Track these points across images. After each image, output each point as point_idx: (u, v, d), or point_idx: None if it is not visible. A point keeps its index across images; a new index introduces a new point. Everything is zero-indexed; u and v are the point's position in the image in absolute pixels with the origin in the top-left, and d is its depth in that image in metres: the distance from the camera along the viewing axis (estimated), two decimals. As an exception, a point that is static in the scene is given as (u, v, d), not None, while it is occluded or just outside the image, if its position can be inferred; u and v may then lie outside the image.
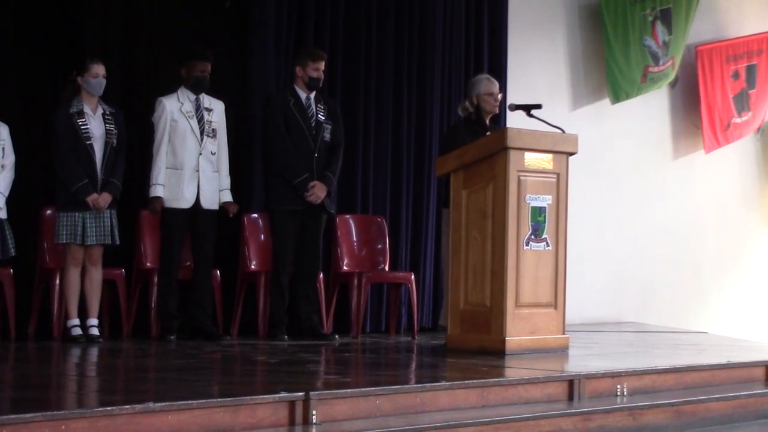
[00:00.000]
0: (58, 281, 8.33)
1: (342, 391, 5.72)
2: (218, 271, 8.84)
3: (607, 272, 12.00)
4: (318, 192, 8.66)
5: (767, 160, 13.80)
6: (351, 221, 9.64)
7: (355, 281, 9.15)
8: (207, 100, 8.63)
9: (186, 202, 8.49)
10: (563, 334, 7.97)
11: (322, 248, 9.04)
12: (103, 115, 8.23)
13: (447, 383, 6.16)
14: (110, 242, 8.19)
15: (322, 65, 8.80)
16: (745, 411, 7.14)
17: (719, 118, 12.94)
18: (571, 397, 6.55)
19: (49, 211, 8.49)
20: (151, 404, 4.99)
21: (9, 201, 8.06)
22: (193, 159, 8.50)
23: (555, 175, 7.89)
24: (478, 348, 7.66)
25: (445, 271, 9.05)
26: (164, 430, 5.00)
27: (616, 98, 11.88)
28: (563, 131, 8.02)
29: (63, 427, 4.73)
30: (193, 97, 8.58)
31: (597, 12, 11.80)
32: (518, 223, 7.67)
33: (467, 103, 9.08)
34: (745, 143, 13.51)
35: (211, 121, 8.60)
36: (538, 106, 8.43)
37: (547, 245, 7.83)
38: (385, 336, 9.54)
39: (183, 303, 8.63)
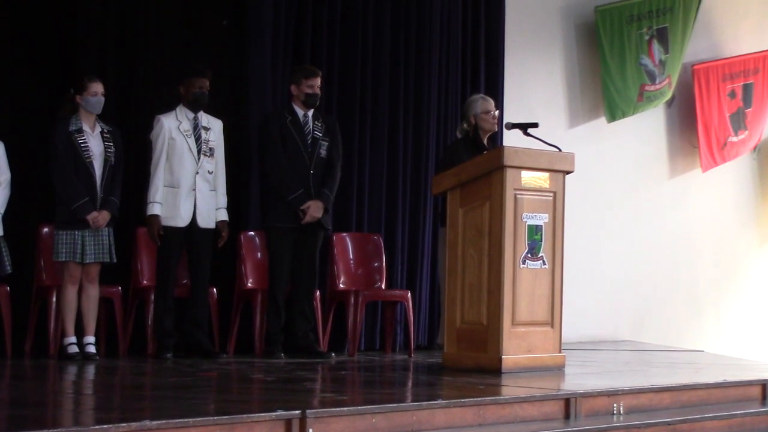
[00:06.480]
0: (54, 299, 8.32)
1: (338, 409, 5.71)
2: (215, 289, 8.84)
3: (603, 291, 12.01)
4: (313, 213, 8.67)
5: (764, 179, 13.82)
6: (347, 239, 9.65)
7: (352, 299, 9.15)
8: (205, 119, 8.65)
9: (182, 220, 8.50)
10: (560, 352, 7.97)
11: (319, 266, 9.04)
12: (101, 133, 8.25)
13: (443, 401, 6.15)
14: (108, 260, 8.20)
15: (317, 82, 8.82)
16: (741, 430, 7.14)
17: (716, 137, 12.96)
18: (567, 416, 6.54)
19: (46, 229, 8.49)
20: (147, 422, 4.98)
21: (5, 218, 8.05)
22: (189, 177, 8.51)
23: (552, 194, 7.90)
24: (475, 366, 7.66)
25: (441, 289, 9.05)
26: (160, 448, 5.00)
27: (613, 117, 11.91)
28: (560, 150, 8.03)
29: (59, 444, 4.74)
30: (191, 115, 8.60)
31: (593, 31, 11.83)
32: (515, 241, 7.68)
33: (465, 124, 9.13)
34: (742, 162, 13.54)
35: (208, 140, 8.61)
36: (535, 125, 8.45)
37: (544, 264, 7.84)
38: (381, 354, 9.54)
39: (179, 321, 8.63)
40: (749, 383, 7.86)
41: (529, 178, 7.77)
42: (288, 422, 5.40)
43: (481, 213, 7.76)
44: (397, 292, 9.66)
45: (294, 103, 8.84)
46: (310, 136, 8.80)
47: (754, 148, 13.64)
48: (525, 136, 8.42)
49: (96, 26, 9.05)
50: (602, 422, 6.54)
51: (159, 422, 5.02)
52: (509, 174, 7.65)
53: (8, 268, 8.05)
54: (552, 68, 11.76)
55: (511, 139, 9.09)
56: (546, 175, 7.86)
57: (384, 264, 9.65)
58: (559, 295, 7.92)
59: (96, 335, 8.31)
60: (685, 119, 12.95)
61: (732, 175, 13.44)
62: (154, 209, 8.44)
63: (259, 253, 9.19)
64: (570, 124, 11.87)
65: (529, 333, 7.76)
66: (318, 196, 8.72)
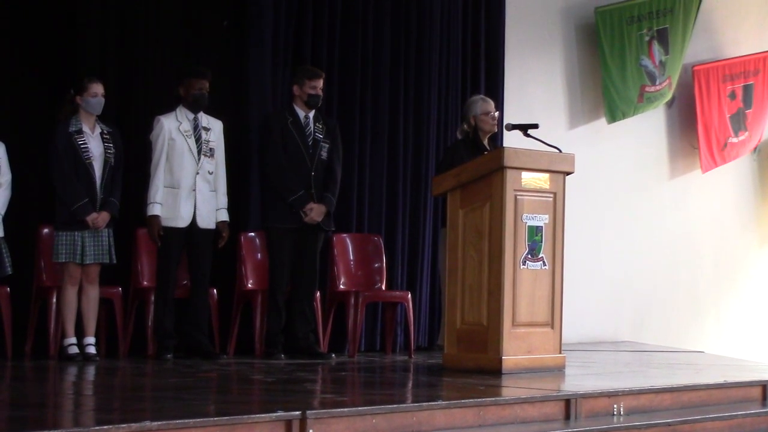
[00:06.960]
0: (54, 300, 8.32)
1: (339, 410, 5.71)
2: (215, 290, 8.84)
3: (603, 291, 12.00)
4: (314, 216, 8.67)
5: (764, 180, 13.83)
6: (347, 240, 9.64)
7: (352, 300, 9.14)
8: (205, 120, 8.64)
9: (182, 221, 8.50)
10: (560, 353, 7.97)
11: (319, 267, 9.03)
12: (101, 134, 8.25)
13: (444, 402, 6.15)
14: (108, 261, 8.20)
15: (319, 83, 8.82)
16: (741, 431, 7.14)
17: (716, 138, 12.96)
18: (567, 417, 6.54)
19: (46, 230, 8.48)
20: (147, 423, 4.98)
21: (5, 219, 8.05)
22: (190, 178, 8.51)
23: (552, 195, 7.90)
24: (475, 367, 7.66)
25: (442, 290, 9.05)
26: (161, 449, 5.00)
27: (613, 118, 11.91)
28: (560, 151, 8.03)
29: (59, 446, 4.74)
30: (191, 116, 8.59)
31: (594, 32, 11.82)
32: (515, 242, 7.68)
33: (465, 125, 9.13)
34: (742, 163, 13.54)
35: (209, 141, 8.61)
36: (535, 126, 8.45)
37: (544, 264, 7.84)
38: (382, 355, 9.53)
39: (180, 322, 8.63)
40: (750, 384, 7.87)
41: (529, 179, 7.77)
42: (288, 423, 5.40)
43: (481, 214, 7.76)
44: (397, 293, 9.66)
45: (295, 103, 8.83)
46: (311, 138, 8.79)
47: (754, 149, 13.64)
48: (525, 137, 8.41)
49: (96, 26, 9.04)
50: (602, 423, 6.54)
51: (159, 423, 5.02)
52: (509, 175, 7.65)
53: (8, 269, 8.04)
54: (552, 69, 11.76)
55: (512, 140, 9.09)
56: (546, 176, 7.86)
57: (384, 265, 9.64)
58: (559, 295, 7.93)
59: (96, 336, 8.31)
60: (685, 120, 12.95)
61: (732, 176, 13.44)
62: (154, 210, 8.44)
63: (259, 254, 9.19)
64: (570, 125, 11.87)
65: (530, 334, 7.76)
66: (321, 200, 8.71)
